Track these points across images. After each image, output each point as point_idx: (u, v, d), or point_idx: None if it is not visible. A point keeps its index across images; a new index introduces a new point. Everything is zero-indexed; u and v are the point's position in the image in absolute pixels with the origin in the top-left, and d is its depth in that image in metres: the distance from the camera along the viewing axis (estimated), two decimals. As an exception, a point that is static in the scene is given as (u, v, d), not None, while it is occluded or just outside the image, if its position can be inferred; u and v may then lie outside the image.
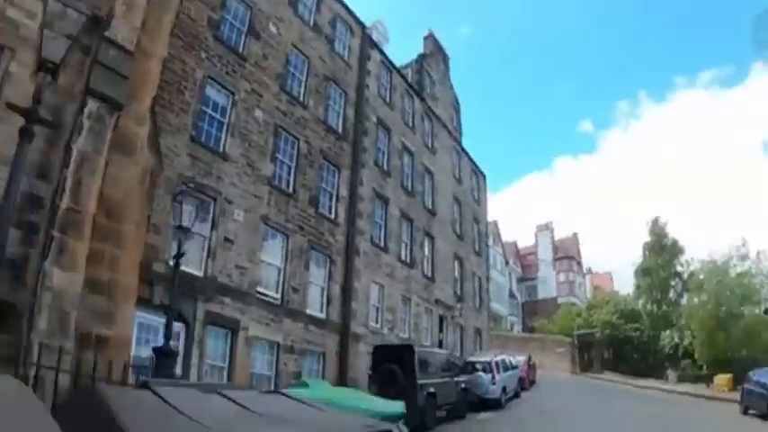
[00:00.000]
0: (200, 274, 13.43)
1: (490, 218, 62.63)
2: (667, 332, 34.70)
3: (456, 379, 17.00)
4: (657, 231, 42.01)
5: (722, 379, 24.86)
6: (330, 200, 19.30)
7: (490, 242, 65.86)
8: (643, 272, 40.87)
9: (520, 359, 28.11)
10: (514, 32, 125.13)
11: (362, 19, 23.00)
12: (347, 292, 18.93)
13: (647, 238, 42.68)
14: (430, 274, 26.59)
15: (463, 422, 16.19)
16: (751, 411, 17.76)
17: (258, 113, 16.24)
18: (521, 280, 71.72)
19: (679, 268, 40.37)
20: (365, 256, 20.40)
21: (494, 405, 18.80)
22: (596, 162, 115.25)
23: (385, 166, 23.22)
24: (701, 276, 28.40)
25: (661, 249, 41.35)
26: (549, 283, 71.30)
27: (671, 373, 29.73)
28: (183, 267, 9.48)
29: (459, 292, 29.81)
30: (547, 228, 74.94)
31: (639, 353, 36.81)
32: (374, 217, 21.73)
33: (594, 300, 46.54)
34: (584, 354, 40.11)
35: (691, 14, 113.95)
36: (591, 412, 18.09)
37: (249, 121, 15.88)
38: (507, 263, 66.54)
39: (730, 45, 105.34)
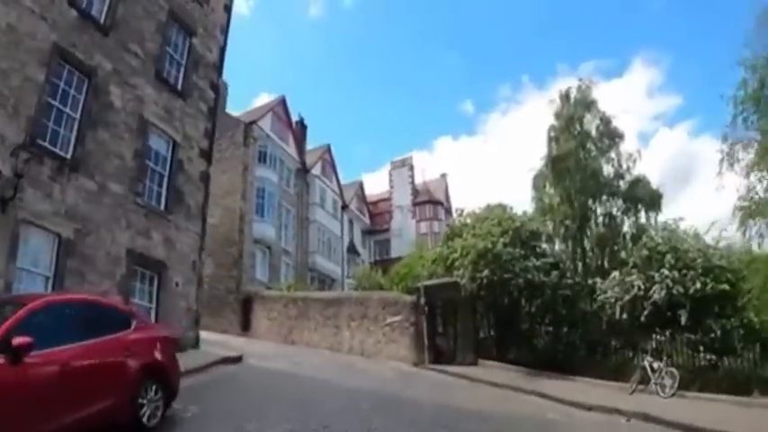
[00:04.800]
0: None
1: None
2: (613, 275, 15.35)
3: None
4: (581, 99, 22.89)
5: None
6: None
7: (317, 171, 44.73)
8: (554, 167, 21.52)
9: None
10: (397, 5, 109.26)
11: None
12: None
13: (553, 122, 23.77)
14: None
15: None
16: None
17: None
18: (368, 233, 51.40)
19: (619, 167, 21.86)
20: None
21: None
22: (475, 144, 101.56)
23: None
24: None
25: (585, 135, 22.42)
26: (406, 236, 51.24)
27: (660, 369, 9.86)
28: None
29: (34, 139, 7.97)
30: (404, 164, 54.80)
31: (555, 319, 16.26)
32: None
33: (460, 221, 19.82)
34: (444, 324, 18.08)
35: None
36: None
37: None
38: (345, 206, 45.71)
39: (613, 39, 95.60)
